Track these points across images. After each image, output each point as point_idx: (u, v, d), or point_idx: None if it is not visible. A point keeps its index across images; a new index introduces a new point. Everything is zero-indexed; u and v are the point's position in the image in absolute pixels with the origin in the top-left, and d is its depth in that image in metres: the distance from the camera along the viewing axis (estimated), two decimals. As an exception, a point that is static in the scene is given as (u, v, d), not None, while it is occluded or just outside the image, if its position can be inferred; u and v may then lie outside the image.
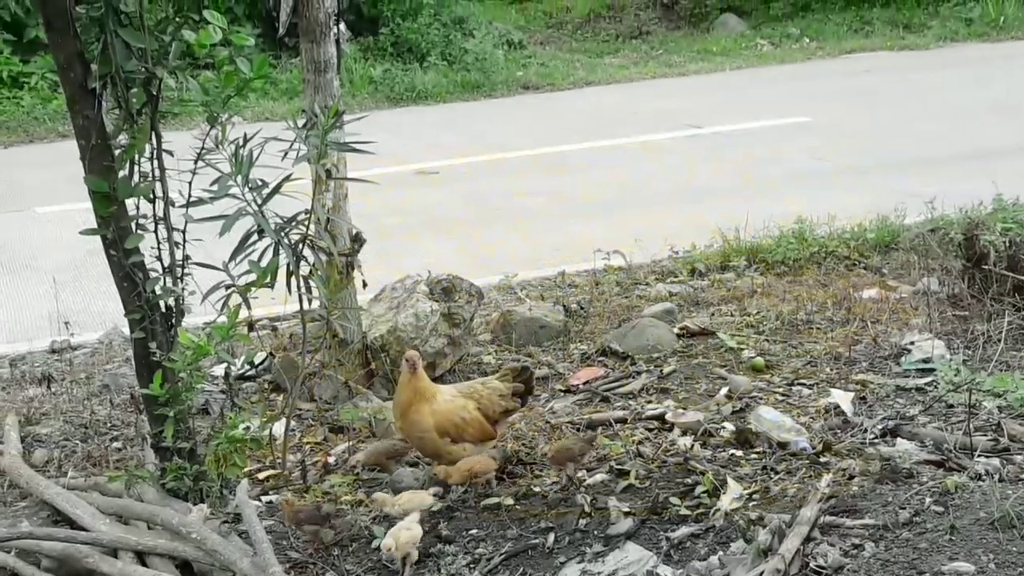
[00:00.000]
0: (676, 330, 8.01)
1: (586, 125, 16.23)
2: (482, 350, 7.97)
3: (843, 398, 6.54)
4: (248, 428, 5.96)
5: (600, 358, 7.70)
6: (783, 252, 9.46)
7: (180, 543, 5.15)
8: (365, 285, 6.99)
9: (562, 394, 7.20)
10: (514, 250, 10.73)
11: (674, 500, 5.42)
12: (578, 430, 6.42)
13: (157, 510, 5.45)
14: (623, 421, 6.56)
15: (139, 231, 5.68)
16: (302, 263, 6.03)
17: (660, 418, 6.54)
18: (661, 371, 7.34)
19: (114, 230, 5.60)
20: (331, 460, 6.39)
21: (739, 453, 6.00)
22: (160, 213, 5.75)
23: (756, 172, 13.14)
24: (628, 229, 10.61)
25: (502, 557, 5.15)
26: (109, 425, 7.10)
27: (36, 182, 14.22)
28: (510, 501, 5.57)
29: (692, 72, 20.34)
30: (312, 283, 6.12)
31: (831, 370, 7.11)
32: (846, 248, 9.56)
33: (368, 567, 5.27)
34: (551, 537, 5.26)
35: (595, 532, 5.24)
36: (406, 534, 5.12)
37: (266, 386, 7.57)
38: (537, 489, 5.73)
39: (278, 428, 6.33)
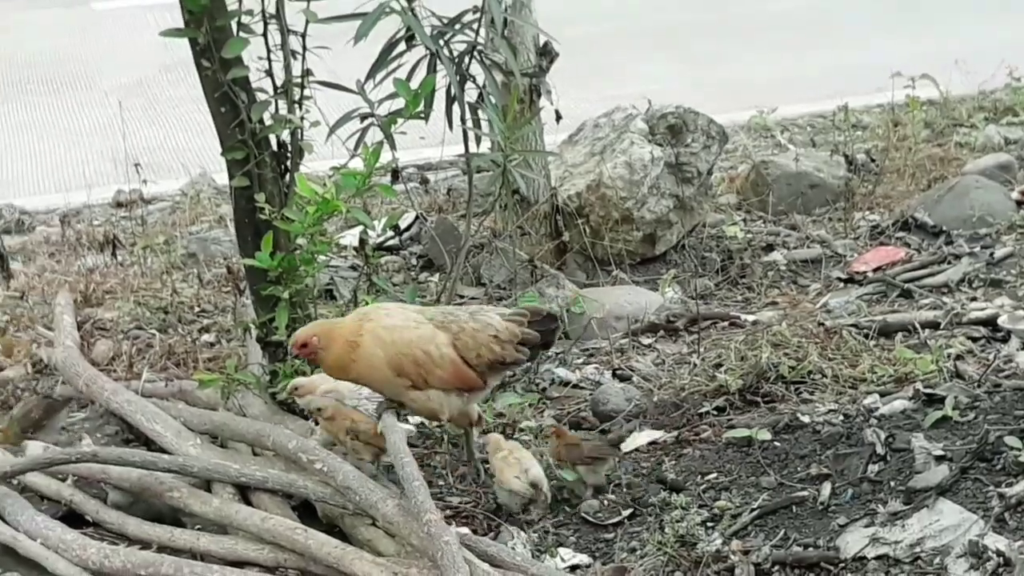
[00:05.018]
0: (1015, 195, 7.84)
1: None
2: (723, 218, 7.93)
3: None
4: (390, 319, 6.05)
5: (899, 233, 7.63)
6: None
7: (298, 475, 5.26)
8: (559, 118, 6.97)
9: (842, 285, 7.14)
10: (771, 71, 10.59)
11: (1012, 441, 5.27)
12: (866, 336, 6.35)
13: (267, 429, 5.58)
14: (934, 326, 6.48)
15: (242, 34, 5.75)
16: (468, 85, 6.02)
17: (990, 323, 6.44)
18: (991, 254, 7.22)
19: (208, 31, 5.66)
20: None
21: (1114, 376, 5.85)
22: (271, 8, 5.80)
23: None
24: (942, 42, 10.33)
25: (754, 514, 5.13)
26: (197, 310, 7.36)
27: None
28: (766, 435, 5.55)
29: None
30: (482, 114, 6.11)
31: None
32: None
33: (557, 520, 5.32)
34: (826, 488, 5.20)
35: (891, 483, 5.16)
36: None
37: (414, 261, 7.67)
38: (805, 419, 5.70)
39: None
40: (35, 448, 5.85)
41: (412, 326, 5.33)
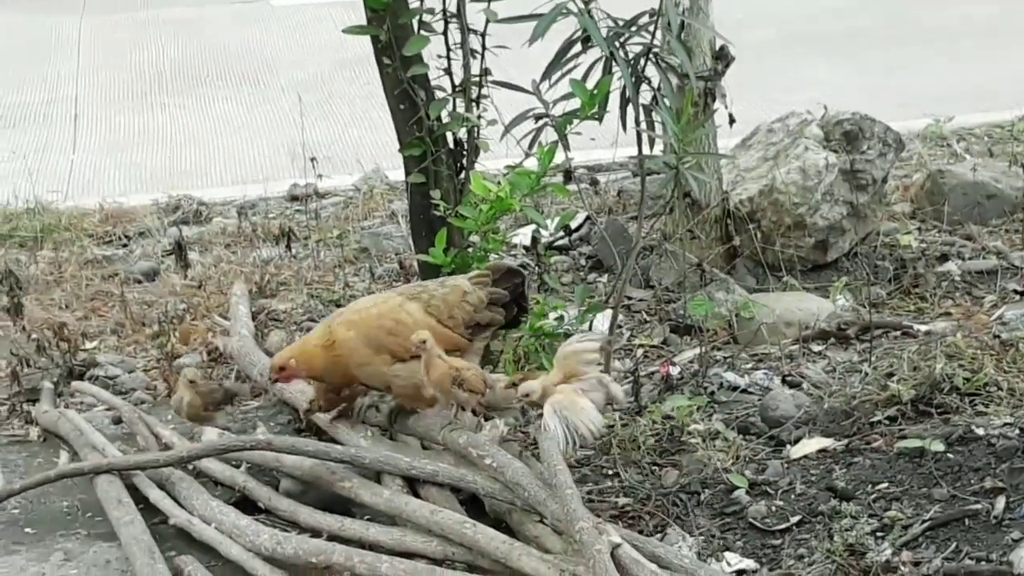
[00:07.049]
0: None
1: None
2: (897, 227, 7.83)
3: None
4: (561, 319, 6.07)
5: (1080, 246, 7.47)
6: None
7: (468, 470, 5.28)
8: (732, 122, 6.93)
9: (1018, 297, 7.03)
10: (948, 80, 10.41)
11: None
12: (1036, 350, 6.25)
13: (437, 423, 5.62)
14: (1117, 340, 6.32)
15: (423, 32, 5.80)
16: (642, 87, 6.01)
17: None
18: None
19: (389, 29, 5.73)
20: (674, 372, 6.43)
21: None
22: (452, 7, 5.85)
23: None
24: None
25: (925, 526, 5.05)
26: (369, 303, 7.41)
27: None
28: (939, 446, 5.46)
29: None
30: (656, 117, 6.10)
31: None
32: None
33: (724, 524, 5.30)
34: (1000, 502, 5.11)
35: (1069, 500, 5.10)
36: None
37: (583, 262, 7.67)
38: (980, 431, 5.60)
39: (600, 322, 6.41)
40: (210, 434, 5.95)
41: (380, 301, 5.47)
